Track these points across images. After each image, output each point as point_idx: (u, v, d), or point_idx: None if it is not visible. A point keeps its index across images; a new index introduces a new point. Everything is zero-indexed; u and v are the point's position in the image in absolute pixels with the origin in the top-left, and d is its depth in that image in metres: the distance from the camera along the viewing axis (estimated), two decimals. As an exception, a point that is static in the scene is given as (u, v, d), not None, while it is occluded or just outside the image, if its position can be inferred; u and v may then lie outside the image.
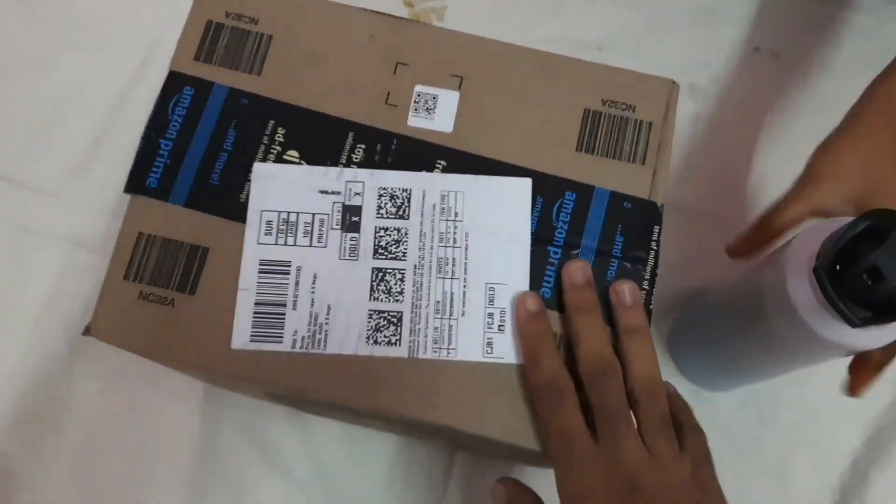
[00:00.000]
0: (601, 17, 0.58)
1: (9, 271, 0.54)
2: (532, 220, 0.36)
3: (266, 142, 0.36)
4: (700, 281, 0.53)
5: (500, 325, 0.35)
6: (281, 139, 0.37)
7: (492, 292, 0.35)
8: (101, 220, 0.54)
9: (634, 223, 0.36)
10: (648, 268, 0.35)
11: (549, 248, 0.35)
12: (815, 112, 0.57)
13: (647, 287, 0.35)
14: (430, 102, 0.37)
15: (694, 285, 0.53)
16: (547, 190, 0.36)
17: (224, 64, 0.37)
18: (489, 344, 0.34)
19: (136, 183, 0.36)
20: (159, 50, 0.57)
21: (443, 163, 0.36)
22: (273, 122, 0.37)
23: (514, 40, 0.39)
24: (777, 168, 0.56)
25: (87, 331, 0.34)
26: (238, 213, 0.36)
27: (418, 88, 0.37)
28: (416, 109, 0.37)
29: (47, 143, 0.56)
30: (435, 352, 0.34)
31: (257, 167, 0.36)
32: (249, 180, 0.36)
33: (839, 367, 0.51)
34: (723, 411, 0.51)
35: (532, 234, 0.36)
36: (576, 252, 0.35)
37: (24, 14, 0.59)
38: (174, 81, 0.37)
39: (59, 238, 0.54)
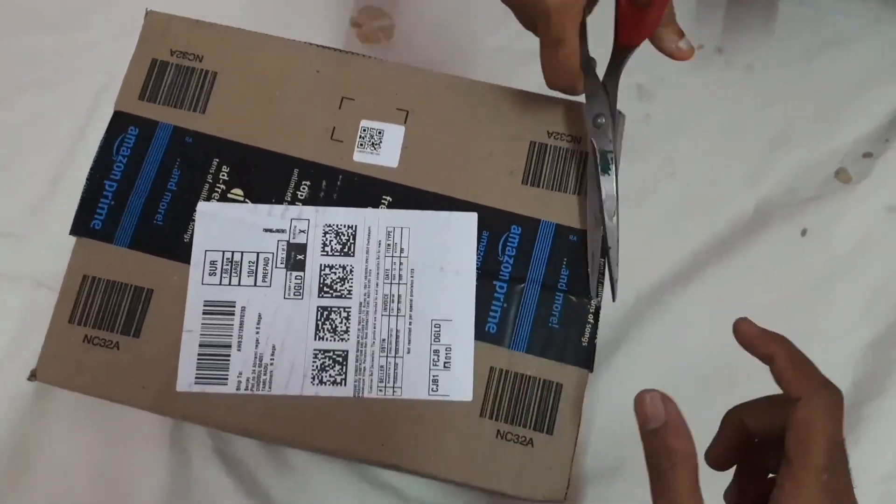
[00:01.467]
0: None
1: None
2: (478, 254, 0.36)
3: (210, 180, 0.36)
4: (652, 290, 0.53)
5: (445, 363, 0.35)
6: (225, 177, 0.36)
7: (437, 329, 0.35)
8: (62, 258, 0.54)
9: (580, 256, 0.36)
10: (594, 302, 0.35)
11: (495, 282, 0.35)
12: (761, 104, 0.57)
13: (591, 321, 0.35)
14: (375, 137, 0.37)
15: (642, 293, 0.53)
16: (492, 224, 0.36)
17: (168, 102, 0.37)
18: (435, 381, 0.34)
19: (81, 225, 0.36)
20: (113, 87, 0.57)
21: (388, 198, 0.36)
22: (217, 160, 0.37)
23: (463, 53, 0.39)
24: (727, 164, 0.56)
25: (33, 375, 0.34)
26: (182, 253, 0.35)
27: (364, 123, 0.37)
28: (361, 144, 0.37)
29: (4, 183, 0.56)
30: (380, 391, 0.34)
31: (201, 206, 0.36)
32: (194, 220, 0.36)
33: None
34: (687, 407, 0.51)
35: (478, 268, 0.35)
36: (521, 286, 0.35)
37: None
38: (119, 122, 0.37)
39: (20, 278, 0.54)
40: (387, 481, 0.51)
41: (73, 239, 0.51)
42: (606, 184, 0.35)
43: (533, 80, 0.38)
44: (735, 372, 0.51)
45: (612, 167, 0.35)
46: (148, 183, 0.36)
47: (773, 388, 0.51)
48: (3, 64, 0.58)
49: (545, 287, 0.35)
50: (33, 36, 0.59)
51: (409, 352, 0.35)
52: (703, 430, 0.50)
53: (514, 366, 0.34)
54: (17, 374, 0.52)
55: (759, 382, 0.50)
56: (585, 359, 0.34)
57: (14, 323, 0.53)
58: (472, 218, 0.36)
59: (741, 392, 0.51)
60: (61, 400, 0.52)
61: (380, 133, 0.37)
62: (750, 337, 0.31)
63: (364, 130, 0.37)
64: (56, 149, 0.56)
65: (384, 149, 0.37)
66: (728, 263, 0.53)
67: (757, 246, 0.54)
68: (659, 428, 0.29)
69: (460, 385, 0.34)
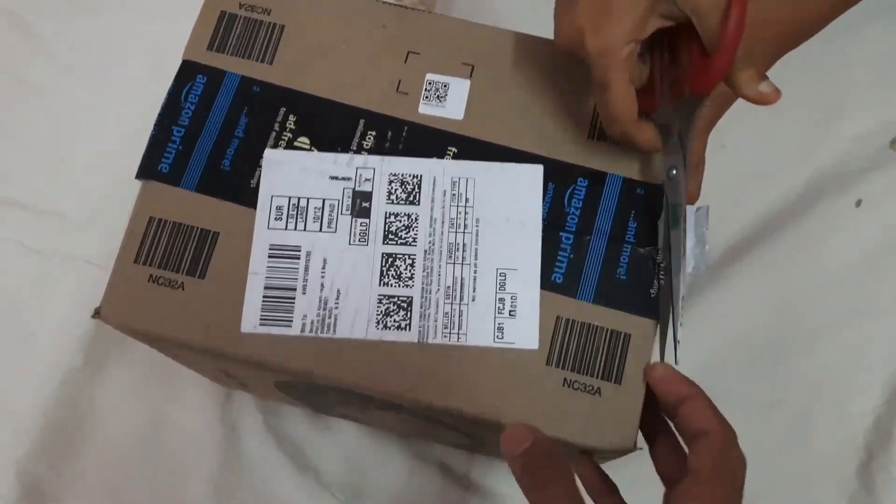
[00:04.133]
0: None
1: (23, 294, 0.54)
2: (543, 206, 0.35)
3: (277, 129, 0.37)
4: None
5: (510, 311, 0.34)
6: (292, 126, 0.37)
7: (503, 278, 0.35)
8: (112, 237, 0.54)
9: (647, 210, 0.35)
10: (662, 253, 0.35)
11: (561, 233, 0.35)
12: (813, 72, 0.55)
13: (662, 274, 0.34)
14: (440, 90, 0.37)
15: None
16: (559, 176, 0.36)
17: (237, 53, 0.38)
18: (500, 329, 0.34)
19: (149, 168, 0.36)
20: (161, 70, 0.57)
21: (454, 150, 0.36)
22: (284, 109, 0.37)
23: (509, 26, 0.39)
24: (778, 134, 0.54)
25: (97, 313, 0.34)
26: (249, 198, 0.36)
27: (429, 76, 0.37)
28: (426, 97, 0.37)
29: (54, 166, 0.57)
30: (445, 337, 0.34)
31: (268, 153, 0.36)
32: (260, 166, 0.36)
33: (852, 333, 0.50)
34: (735, 380, 0.50)
35: (543, 220, 0.35)
36: (587, 238, 0.35)
37: (20, 39, 0.59)
38: (187, 70, 0.37)
39: (70, 258, 0.54)
40: (436, 457, 0.50)
41: (122, 219, 0.51)
42: (674, 238, 0.33)
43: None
44: (785, 345, 0.51)
45: (681, 222, 0.33)
46: (215, 129, 0.36)
47: (824, 364, 0.50)
48: (47, 48, 0.59)
49: (612, 239, 0.35)
50: (80, 18, 0.60)
51: (473, 299, 0.34)
52: (754, 397, 0.49)
53: (581, 315, 0.34)
54: (71, 351, 0.52)
55: (806, 357, 0.50)
56: (654, 310, 0.34)
57: (66, 301, 0.54)
58: (537, 170, 0.36)
59: (790, 364, 0.50)
60: (113, 375, 0.53)
61: (445, 86, 0.37)
62: (667, 378, 0.32)
63: (429, 83, 0.37)
64: (104, 131, 0.57)
65: (449, 102, 0.37)
66: (780, 236, 0.52)
67: (810, 218, 0.53)
68: (530, 446, 0.29)
69: (526, 333, 0.34)
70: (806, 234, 0.52)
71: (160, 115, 0.37)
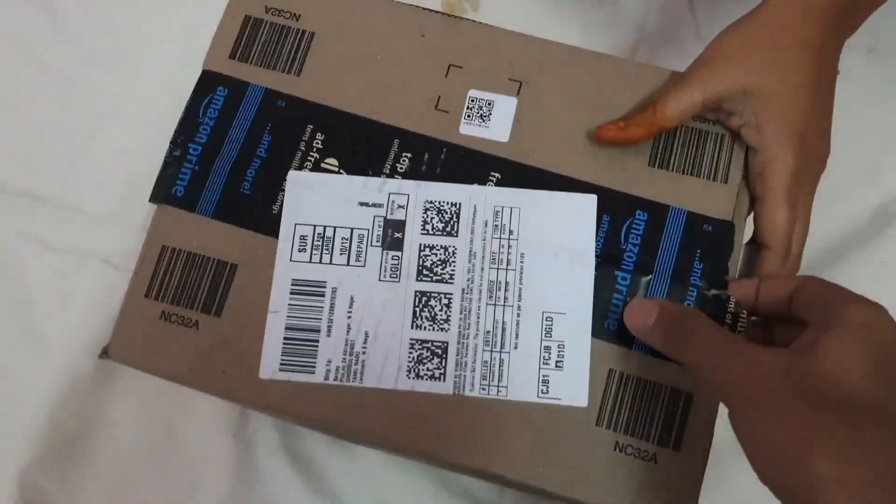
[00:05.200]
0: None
1: (36, 293, 0.51)
2: (597, 240, 0.32)
3: (303, 148, 0.33)
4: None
5: (557, 362, 0.31)
6: (319, 145, 0.33)
7: (549, 323, 0.31)
8: (131, 236, 0.52)
9: (716, 248, 0.31)
10: (733, 299, 0.31)
11: (617, 272, 0.31)
12: (884, 91, 0.51)
13: (729, 322, 0.30)
14: (484, 109, 0.33)
15: None
16: (615, 208, 0.32)
17: (261, 63, 0.34)
18: (545, 382, 0.30)
19: (162, 191, 0.33)
20: (189, 59, 0.54)
21: (497, 175, 0.33)
22: (311, 126, 0.33)
23: (553, 30, 0.35)
24: (844, 157, 0.50)
25: (105, 353, 0.31)
26: (270, 226, 0.32)
27: (472, 93, 0.34)
28: (468, 116, 0.33)
29: (74, 158, 0.54)
30: (483, 389, 0.31)
31: (292, 176, 0.33)
32: (284, 190, 0.33)
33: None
34: None
35: (597, 256, 0.31)
36: (648, 278, 0.31)
37: (48, 27, 0.57)
38: (207, 81, 0.34)
39: (87, 256, 0.52)
40: (466, 488, 0.47)
41: (142, 217, 0.48)
42: None
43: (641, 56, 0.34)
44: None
45: None
46: (235, 148, 0.33)
47: None
48: (75, 35, 0.56)
49: (676, 280, 0.31)
50: (107, 3, 0.57)
51: (516, 347, 0.31)
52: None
53: (637, 370, 0.30)
54: (81, 354, 0.50)
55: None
56: (721, 366, 0.30)
57: (80, 301, 0.51)
58: (591, 200, 0.32)
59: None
60: (124, 384, 0.50)
61: (489, 104, 0.34)
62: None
63: (472, 101, 0.34)
64: (128, 124, 0.54)
65: (494, 121, 0.33)
66: (845, 263, 0.48)
67: (878, 250, 0.48)
68: (657, 316, 0.29)
69: (574, 388, 0.30)
70: (874, 268, 0.48)
71: (176, 131, 0.34)
